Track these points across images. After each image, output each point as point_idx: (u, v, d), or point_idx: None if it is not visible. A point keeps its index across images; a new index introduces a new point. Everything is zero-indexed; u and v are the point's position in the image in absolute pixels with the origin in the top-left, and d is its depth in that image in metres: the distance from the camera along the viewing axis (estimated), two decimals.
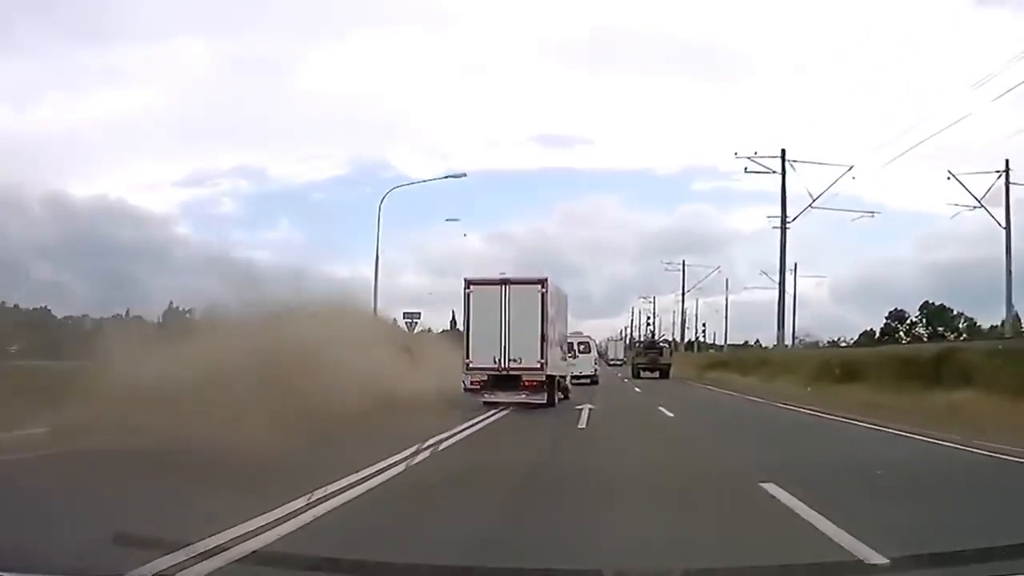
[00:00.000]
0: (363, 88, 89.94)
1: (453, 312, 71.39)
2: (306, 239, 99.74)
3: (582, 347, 35.53)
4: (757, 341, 78.69)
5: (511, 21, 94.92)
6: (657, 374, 49.44)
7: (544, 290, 20.25)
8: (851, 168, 36.47)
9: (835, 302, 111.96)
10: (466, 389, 20.62)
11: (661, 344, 58.53)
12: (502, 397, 19.74)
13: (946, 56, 71.88)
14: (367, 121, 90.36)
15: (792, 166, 38.90)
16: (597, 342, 56.85)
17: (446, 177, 36.44)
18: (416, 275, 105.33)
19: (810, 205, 38.15)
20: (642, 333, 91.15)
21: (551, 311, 20.47)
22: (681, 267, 71.46)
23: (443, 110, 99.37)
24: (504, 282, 20.38)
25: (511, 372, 19.91)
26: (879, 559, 5.09)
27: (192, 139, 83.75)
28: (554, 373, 21.01)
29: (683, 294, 70.04)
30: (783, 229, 39.75)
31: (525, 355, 19.83)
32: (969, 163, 67.80)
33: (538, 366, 19.92)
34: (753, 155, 39.40)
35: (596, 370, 38.41)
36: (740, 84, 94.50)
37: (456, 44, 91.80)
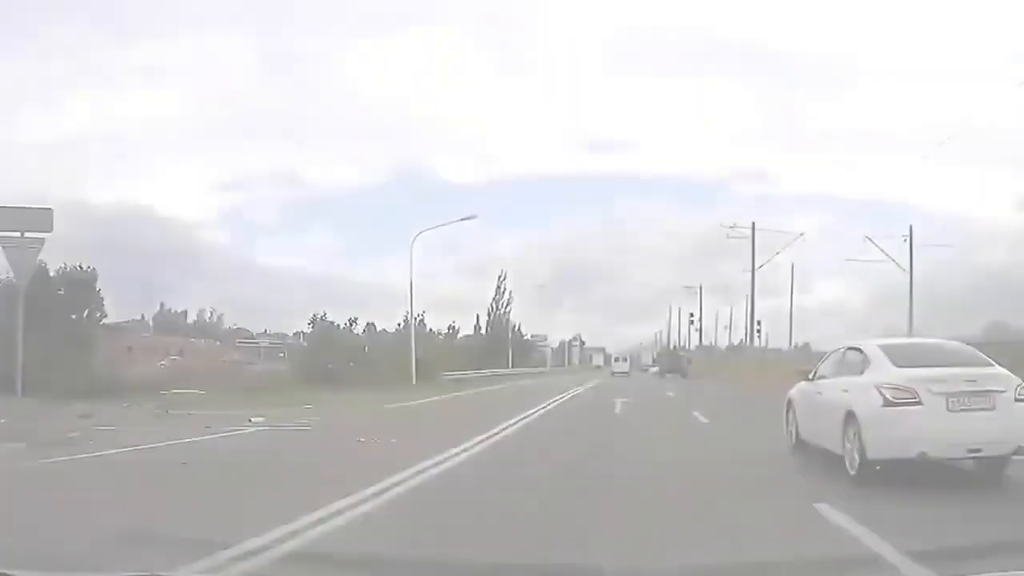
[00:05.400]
0: (406, 91, 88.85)
1: (477, 316, 72.10)
2: (344, 245, 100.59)
3: (622, 358, 79.54)
4: (807, 344, 75.17)
5: (556, 24, 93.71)
6: (679, 374, 63.57)
7: None
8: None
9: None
10: None
11: (681, 353, 78.90)
12: None
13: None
14: (409, 125, 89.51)
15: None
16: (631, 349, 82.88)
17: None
18: (450, 279, 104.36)
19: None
20: (685, 333, 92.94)
21: None
22: (751, 231, 58.50)
23: (486, 114, 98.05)
24: None
25: None
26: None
27: (226, 141, 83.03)
28: None
29: (753, 270, 58.39)
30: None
31: None
32: None
33: None
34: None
35: (629, 371, 76.80)
36: (785, 87, 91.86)
37: (501, 47, 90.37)
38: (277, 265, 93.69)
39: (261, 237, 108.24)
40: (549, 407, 22.44)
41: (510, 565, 5.29)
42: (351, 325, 39.48)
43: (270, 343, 63.18)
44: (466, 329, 68.82)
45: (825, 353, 11.32)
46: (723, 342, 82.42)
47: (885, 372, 8.48)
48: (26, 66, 76.33)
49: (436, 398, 27.99)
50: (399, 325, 46.13)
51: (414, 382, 37.98)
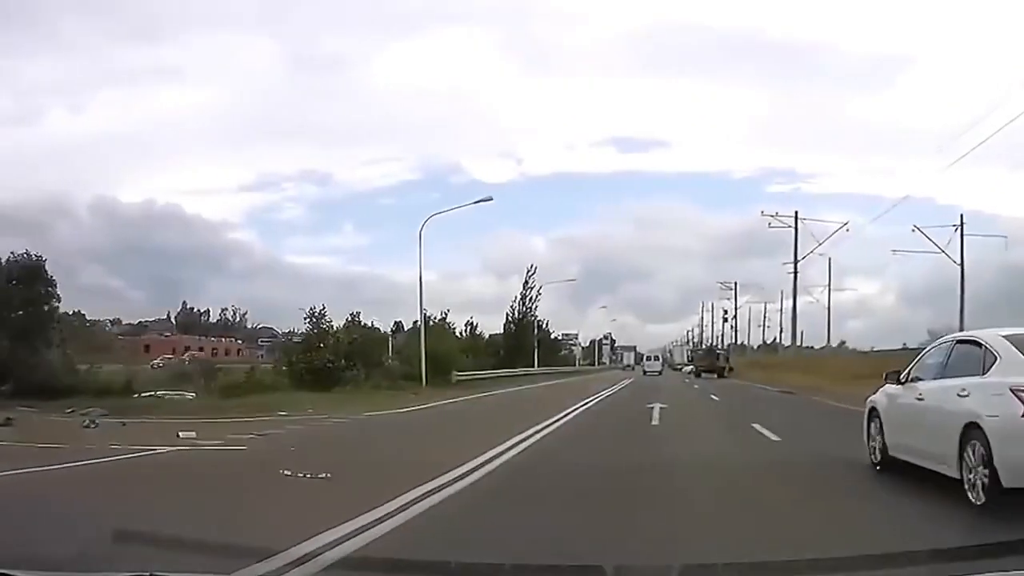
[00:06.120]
0: (434, 89, 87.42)
1: (507, 315, 68.17)
2: (373, 243, 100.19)
3: (653, 356, 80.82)
4: (843, 343, 70.73)
5: (586, 21, 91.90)
6: (715, 375, 58.34)
7: None
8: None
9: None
10: None
11: (718, 351, 71.59)
12: None
13: None
14: (439, 124, 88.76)
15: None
16: (663, 348, 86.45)
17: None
18: (478, 278, 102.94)
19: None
20: (718, 330, 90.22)
21: None
22: (793, 220, 55.30)
23: (515, 113, 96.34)
24: None
25: None
26: None
27: (254, 141, 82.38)
28: None
29: (795, 261, 55.48)
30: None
31: None
32: None
33: None
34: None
35: (661, 371, 74.83)
36: (816, 85, 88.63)
37: (530, 46, 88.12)
38: (304, 264, 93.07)
39: (288, 236, 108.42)
40: (571, 416, 18.15)
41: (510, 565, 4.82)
42: (354, 321, 34.85)
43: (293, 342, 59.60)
44: (495, 329, 65.40)
45: (922, 350, 9.48)
46: (755, 340, 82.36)
47: (1020, 370, 6.85)
48: (55, 65, 75.10)
49: (435, 404, 23.73)
50: (414, 323, 41.80)
51: (424, 383, 33.93)
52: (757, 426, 15.24)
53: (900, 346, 53.59)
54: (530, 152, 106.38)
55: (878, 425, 9.27)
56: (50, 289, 25.64)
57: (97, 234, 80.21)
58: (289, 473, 8.88)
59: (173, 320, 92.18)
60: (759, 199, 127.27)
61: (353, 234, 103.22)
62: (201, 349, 78.75)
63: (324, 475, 8.64)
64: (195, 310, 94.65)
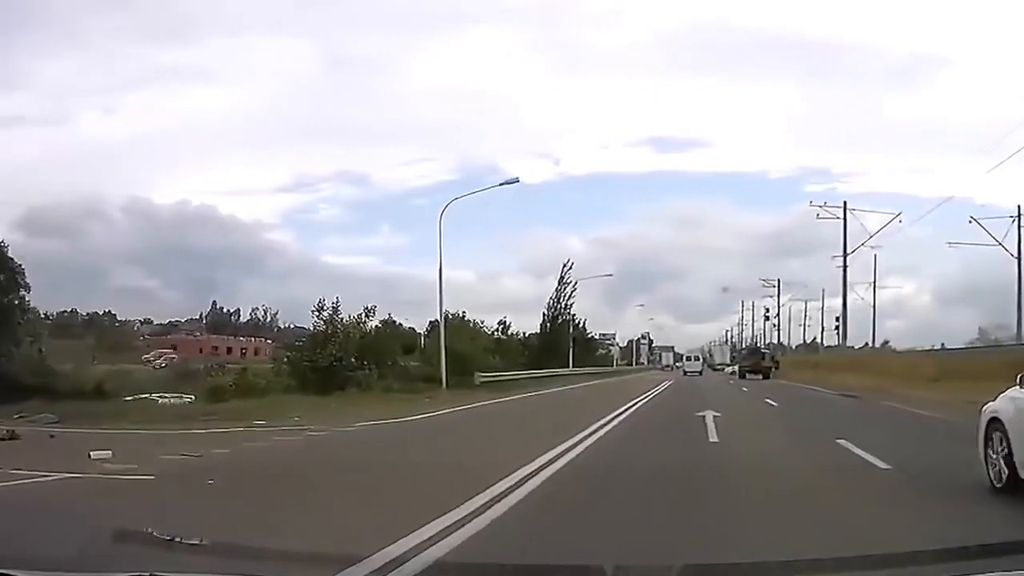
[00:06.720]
0: (470, 90, 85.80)
1: (543, 315, 64.81)
2: (409, 244, 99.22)
3: (694, 356, 79.80)
4: (886, 342, 66.46)
5: (622, 22, 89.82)
6: (760, 375, 54.57)
7: None
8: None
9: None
10: None
11: (763, 351, 66.86)
12: None
13: None
14: (475, 124, 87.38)
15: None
16: (701, 347, 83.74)
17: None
18: (515, 278, 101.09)
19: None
20: (760, 328, 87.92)
21: None
22: (842, 211, 51.98)
23: (552, 113, 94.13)
24: None
25: None
26: None
27: (290, 142, 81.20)
28: None
29: (844, 254, 51.81)
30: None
31: None
32: None
33: None
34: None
35: (701, 371, 74.68)
36: (854, 85, 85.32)
37: (568, 46, 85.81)
38: (340, 264, 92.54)
39: (324, 236, 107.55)
40: (604, 431, 14.71)
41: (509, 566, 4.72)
42: (368, 315, 31.38)
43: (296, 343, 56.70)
44: (533, 330, 62.96)
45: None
46: (793, 340, 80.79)
47: None
48: (91, 67, 74.13)
49: (442, 412, 20.17)
50: (433, 321, 38.38)
51: (444, 385, 30.61)
52: (845, 443, 11.72)
53: (939, 346, 50.74)
54: (566, 152, 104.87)
55: (1000, 440, 7.62)
56: (17, 279, 22.58)
57: (130, 235, 79.23)
58: (156, 534, 5.61)
59: (204, 320, 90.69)
60: (796, 198, 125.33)
61: (389, 234, 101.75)
62: (229, 349, 77.03)
63: (197, 540, 5.37)
64: (224, 310, 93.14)
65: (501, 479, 7.90)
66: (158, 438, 13.45)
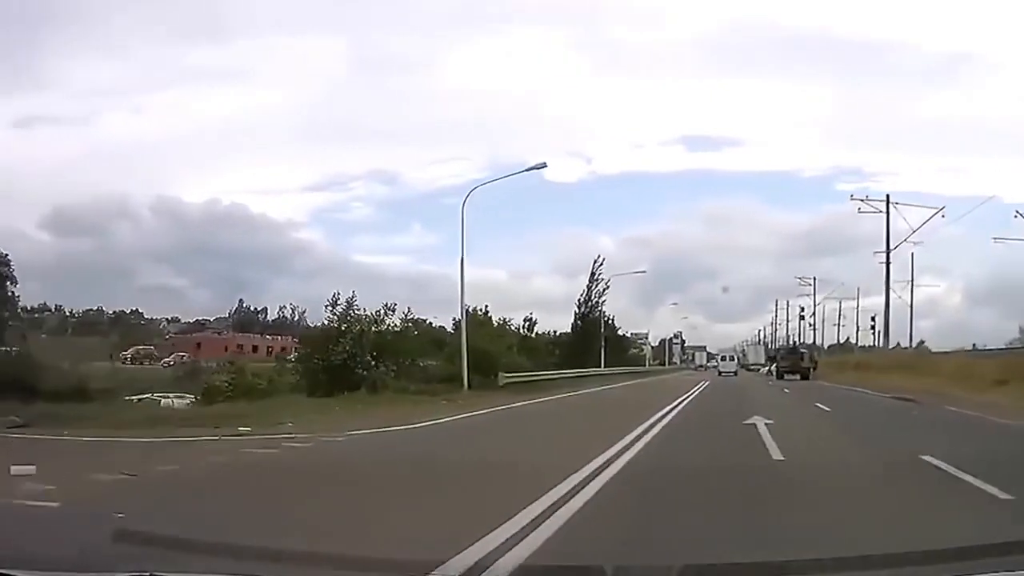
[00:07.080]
0: (502, 89, 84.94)
1: (575, 313, 62.76)
2: (440, 243, 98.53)
3: (728, 356, 77.59)
4: (922, 342, 63.61)
5: (655, 21, 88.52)
6: (798, 376, 51.42)
7: None
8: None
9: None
10: None
11: (802, 350, 63.20)
12: None
13: None
14: (506, 123, 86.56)
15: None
16: (734, 347, 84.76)
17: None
18: (547, 277, 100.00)
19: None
20: (794, 328, 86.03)
21: None
22: (885, 205, 50.12)
23: (585, 112, 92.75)
24: None
25: None
26: None
27: (321, 141, 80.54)
28: None
29: (887, 250, 50.16)
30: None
31: None
32: None
33: None
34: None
35: (736, 371, 71.63)
36: (889, 84, 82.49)
37: (599, 45, 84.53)
38: (372, 263, 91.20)
39: (355, 235, 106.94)
40: (638, 448, 12.53)
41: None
42: (387, 312, 29.34)
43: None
44: (564, 329, 61.38)
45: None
46: (827, 340, 79.38)
47: None
48: (121, 66, 73.90)
49: (457, 417, 17.92)
50: (456, 318, 36.12)
51: (466, 386, 28.53)
52: (933, 460, 9.48)
53: (971, 346, 48.02)
54: (599, 151, 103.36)
55: None
56: (4, 269, 20.87)
57: (159, 234, 78.64)
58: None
59: (231, 319, 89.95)
60: (829, 197, 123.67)
61: (421, 233, 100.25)
62: (255, 348, 75.93)
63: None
64: (252, 309, 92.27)
65: (498, 524, 5.77)
66: (113, 447, 11.57)
